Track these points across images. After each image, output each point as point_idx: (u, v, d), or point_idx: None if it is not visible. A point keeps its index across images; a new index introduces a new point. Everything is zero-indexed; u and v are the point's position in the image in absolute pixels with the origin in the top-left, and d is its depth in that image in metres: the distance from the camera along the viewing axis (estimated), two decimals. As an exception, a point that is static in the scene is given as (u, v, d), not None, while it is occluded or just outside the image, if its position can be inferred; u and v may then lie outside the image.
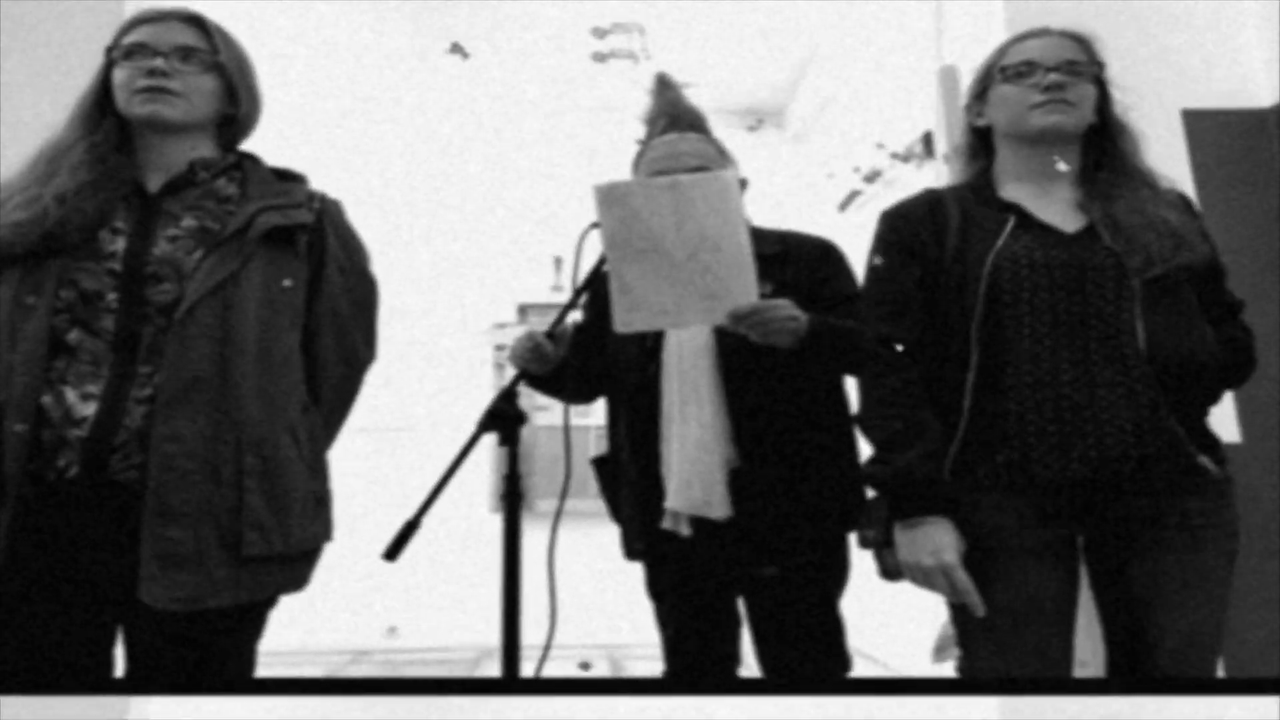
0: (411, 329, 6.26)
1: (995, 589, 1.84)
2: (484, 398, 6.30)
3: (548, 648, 1.94)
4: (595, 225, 2.03)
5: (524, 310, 7.68)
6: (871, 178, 5.65)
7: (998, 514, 1.87)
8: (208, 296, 1.78)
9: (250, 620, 1.87)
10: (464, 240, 6.99)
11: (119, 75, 1.91)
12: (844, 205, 6.14)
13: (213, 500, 1.74)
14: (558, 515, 2.05)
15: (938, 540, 1.85)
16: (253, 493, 1.78)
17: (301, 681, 1.99)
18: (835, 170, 6.29)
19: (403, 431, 6.24)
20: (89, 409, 1.72)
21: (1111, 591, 1.93)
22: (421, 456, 5.75)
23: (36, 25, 3.22)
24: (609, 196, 1.96)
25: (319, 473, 1.97)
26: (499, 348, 7.16)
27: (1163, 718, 1.72)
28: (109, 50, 1.95)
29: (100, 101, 1.94)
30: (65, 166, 1.84)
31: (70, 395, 1.73)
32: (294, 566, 1.88)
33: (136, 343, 1.77)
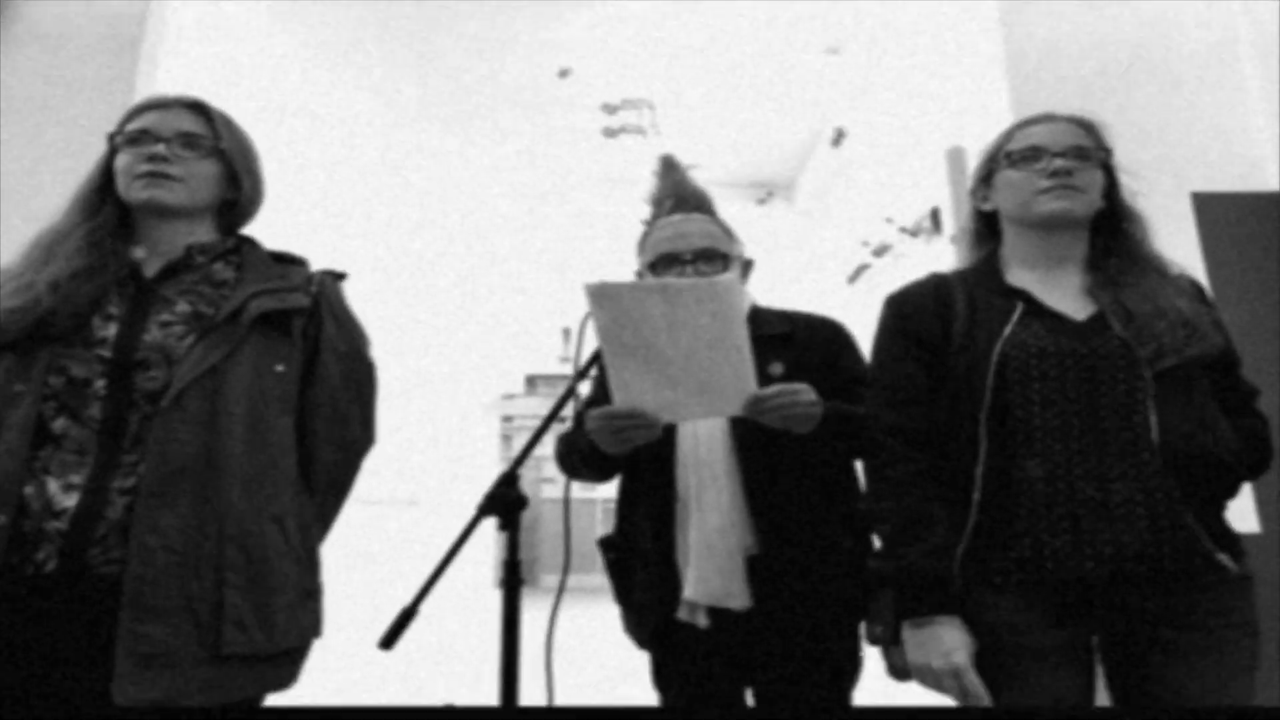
0: (419, 400, 6.24)
1: (1008, 691, 1.78)
2: (491, 469, 6.28)
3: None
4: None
5: (532, 381, 7.66)
6: (880, 252, 5.67)
7: (1010, 612, 1.80)
8: (196, 383, 1.76)
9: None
10: (472, 312, 6.99)
11: (121, 160, 1.92)
12: (853, 278, 6.14)
13: (192, 595, 1.70)
14: (556, 603, 2.02)
15: (948, 641, 1.78)
16: (234, 588, 1.73)
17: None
18: (844, 243, 6.30)
19: (409, 504, 6.19)
20: (70, 500, 1.69)
21: (1130, 694, 1.86)
22: (428, 529, 5.72)
23: (49, 112, 3.25)
24: (599, 296, 1.94)
25: (309, 565, 1.92)
26: (506, 419, 7.14)
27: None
28: (112, 136, 1.96)
29: (101, 187, 1.94)
30: (62, 252, 1.84)
31: (52, 485, 1.70)
32: (278, 665, 1.82)
33: (123, 431, 1.74)
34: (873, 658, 2.19)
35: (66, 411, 1.74)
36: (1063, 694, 1.79)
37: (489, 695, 1.86)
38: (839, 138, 7.04)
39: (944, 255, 3.85)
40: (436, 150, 6.66)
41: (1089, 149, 1.99)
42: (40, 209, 2.00)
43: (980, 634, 1.81)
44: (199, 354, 1.78)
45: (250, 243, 2.06)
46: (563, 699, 1.97)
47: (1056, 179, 1.94)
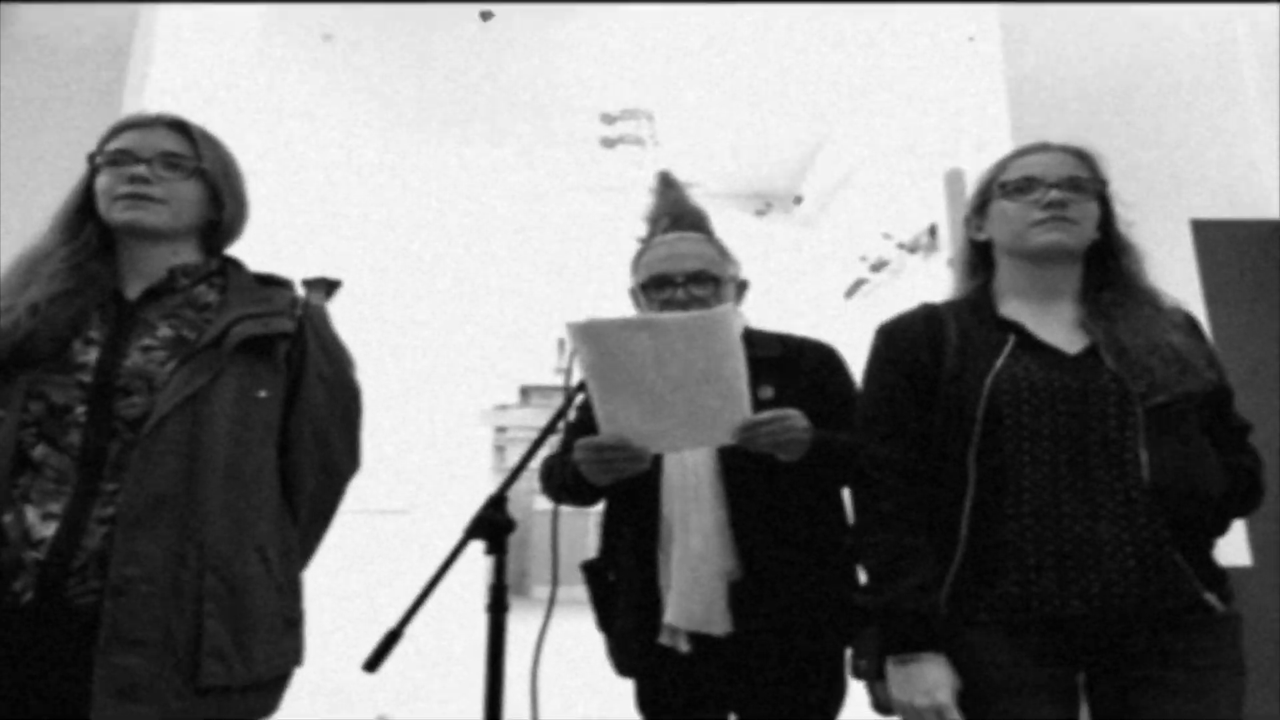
0: (412, 409, 6.22)
1: None
2: (484, 479, 6.21)
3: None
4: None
5: (526, 392, 7.63)
6: (878, 267, 5.65)
7: (995, 650, 1.78)
8: (177, 410, 1.73)
9: None
10: (467, 321, 6.96)
11: (102, 181, 1.88)
12: (850, 292, 6.12)
13: (171, 626, 1.67)
14: (544, 628, 1.99)
15: (931, 678, 1.76)
16: (213, 618, 1.70)
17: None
18: (842, 257, 6.29)
19: (402, 514, 6.16)
20: (49, 529, 1.66)
21: None
22: (420, 538, 5.69)
23: (41, 119, 3.23)
24: (583, 335, 1.91)
25: (290, 592, 1.90)
26: (500, 429, 7.12)
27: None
28: (92, 156, 1.92)
29: (82, 208, 1.91)
30: (43, 275, 1.81)
31: (31, 515, 1.67)
32: (258, 695, 1.80)
33: (102, 459, 1.71)
34: (857, 685, 2.17)
35: (46, 439, 1.71)
36: None
37: (476, 715, 1.84)
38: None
39: (941, 273, 3.84)
40: (432, 156, 6.64)
41: (1084, 180, 1.96)
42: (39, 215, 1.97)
43: (964, 671, 1.78)
44: (180, 380, 1.75)
45: (235, 264, 2.04)
46: (549, 714, 1.96)
47: (1051, 211, 1.92)
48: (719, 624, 2.16)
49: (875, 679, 1.91)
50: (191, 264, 1.95)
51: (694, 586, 2.17)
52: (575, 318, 1.92)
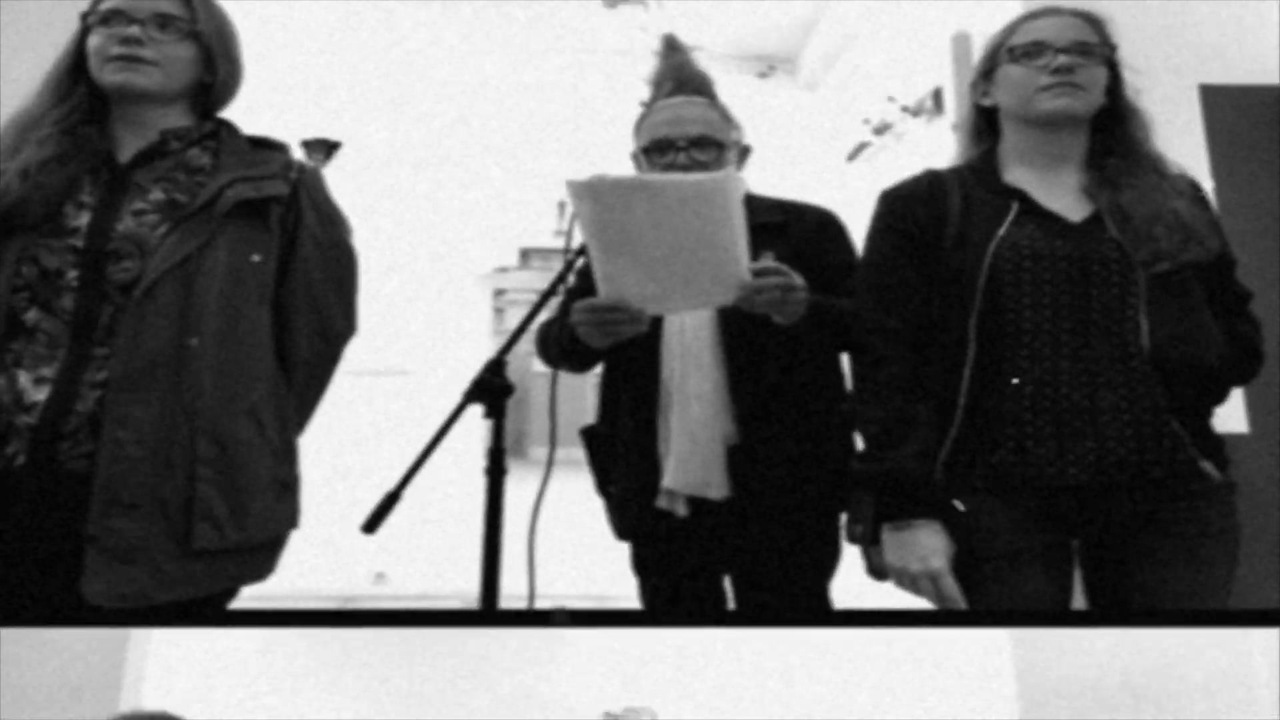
0: (410, 271, 6.19)
1: (986, 594, 1.79)
2: (483, 343, 6.19)
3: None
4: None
5: (526, 254, 7.60)
6: (881, 130, 5.58)
7: (990, 516, 1.80)
8: (169, 274, 1.72)
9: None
10: (466, 183, 6.88)
11: (93, 42, 1.83)
12: (853, 156, 6.06)
13: (163, 490, 1.68)
14: (541, 491, 2.01)
15: (926, 544, 1.78)
16: (206, 482, 1.71)
17: (295, 614, 1.95)
18: (845, 121, 6.21)
19: (400, 375, 6.17)
20: (41, 394, 1.67)
21: (1108, 599, 1.87)
22: (418, 400, 5.71)
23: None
24: (582, 192, 1.89)
25: (285, 457, 1.91)
26: (499, 292, 7.09)
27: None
28: (84, 16, 1.87)
29: (73, 69, 1.87)
30: (33, 139, 1.78)
31: (23, 379, 1.68)
32: (252, 558, 1.82)
33: (94, 323, 1.71)
34: (852, 550, 2.19)
35: (38, 303, 1.71)
36: (1040, 597, 1.80)
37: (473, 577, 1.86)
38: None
39: (945, 136, 3.79)
40: (431, 15, 6.51)
41: (1093, 45, 1.92)
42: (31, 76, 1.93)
43: (959, 537, 1.80)
44: (172, 244, 1.74)
45: (228, 127, 2.00)
46: (547, 575, 1.98)
47: (1059, 75, 1.88)
48: (717, 488, 2.18)
49: (870, 544, 1.93)
50: (183, 127, 1.92)
51: (693, 451, 2.19)
52: (576, 177, 1.91)
